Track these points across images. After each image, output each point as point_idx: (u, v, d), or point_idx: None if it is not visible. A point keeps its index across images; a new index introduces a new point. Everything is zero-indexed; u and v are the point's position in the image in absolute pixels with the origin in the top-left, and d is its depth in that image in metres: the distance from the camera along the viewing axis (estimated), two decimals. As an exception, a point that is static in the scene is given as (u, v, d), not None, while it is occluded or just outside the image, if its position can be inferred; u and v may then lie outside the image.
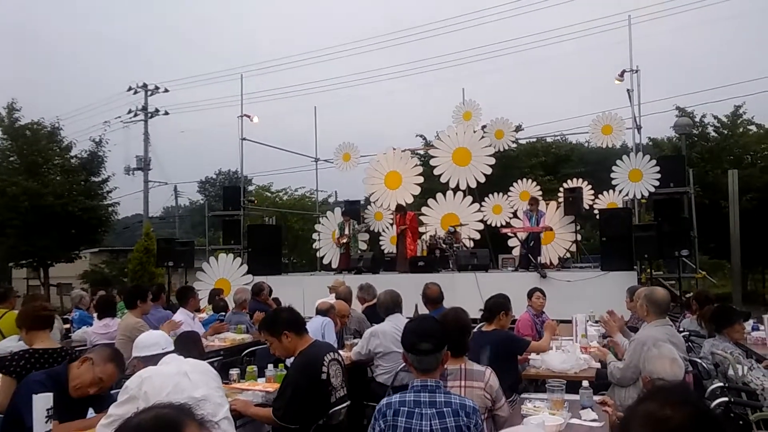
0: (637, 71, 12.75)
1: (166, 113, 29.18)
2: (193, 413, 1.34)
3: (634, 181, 11.95)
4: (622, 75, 12.91)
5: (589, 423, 3.10)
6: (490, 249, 13.04)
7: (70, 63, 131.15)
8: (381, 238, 15.82)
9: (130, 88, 28.27)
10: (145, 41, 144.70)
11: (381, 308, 5.51)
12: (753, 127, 20.97)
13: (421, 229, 13.68)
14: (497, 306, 4.78)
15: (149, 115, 28.66)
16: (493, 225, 14.83)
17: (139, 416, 1.32)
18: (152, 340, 3.24)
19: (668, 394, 1.41)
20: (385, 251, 15.13)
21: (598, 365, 4.71)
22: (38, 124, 21.35)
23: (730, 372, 4.28)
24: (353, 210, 14.99)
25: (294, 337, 3.50)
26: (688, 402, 1.35)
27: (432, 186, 16.30)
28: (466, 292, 9.74)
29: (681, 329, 6.23)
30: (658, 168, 11.88)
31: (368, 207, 15.97)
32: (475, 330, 4.95)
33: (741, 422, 3.97)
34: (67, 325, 8.24)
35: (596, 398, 3.39)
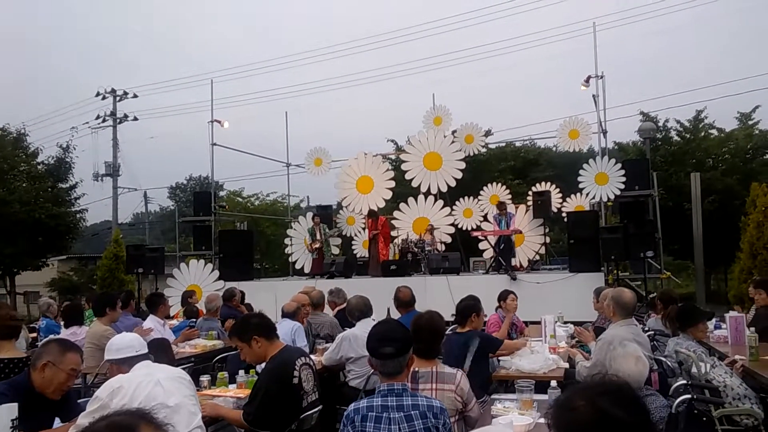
0: (602, 77, 13.03)
1: (136, 119, 28.78)
2: (149, 416, 1.36)
3: (601, 185, 12.19)
4: (587, 81, 13.15)
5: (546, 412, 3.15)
6: (462, 252, 13.15)
7: (36, 67, 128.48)
8: (354, 242, 15.84)
9: (98, 94, 27.80)
10: (114, 46, 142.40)
11: (352, 313, 5.53)
12: (714, 132, 21.56)
13: (393, 233, 13.75)
14: (468, 309, 4.81)
15: (118, 120, 28.22)
16: (464, 228, 14.97)
17: (93, 426, 1.34)
18: (125, 342, 3.12)
19: (592, 388, 1.48)
20: (358, 255, 15.15)
21: (567, 365, 4.79)
22: (3, 129, 20.91)
23: (694, 370, 4.37)
24: (326, 215, 14.99)
25: (264, 342, 3.49)
26: (596, 402, 1.41)
27: (403, 190, 16.39)
28: (438, 295, 9.81)
29: (646, 329, 6.36)
30: (623, 171, 12.14)
31: (340, 212, 15.98)
32: (449, 331, 5.01)
33: (704, 419, 4.09)
34: (34, 334, 8.08)
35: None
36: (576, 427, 1.41)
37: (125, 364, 3.00)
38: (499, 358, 5.04)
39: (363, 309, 5.46)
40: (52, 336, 6.59)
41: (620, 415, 1.39)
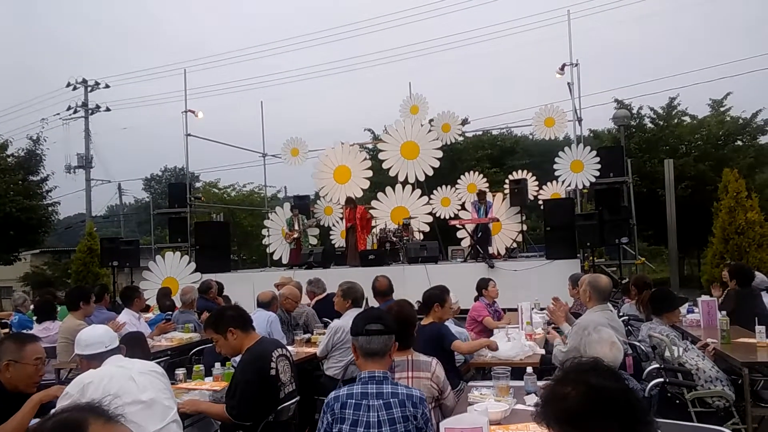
0: (576, 65, 13.10)
1: (108, 109, 28.33)
2: (99, 409, 1.33)
3: (576, 172, 12.30)
4: (562, 68, 13.21)
5: (533, 408, 3.17)
6: (440, 241, 13.19)
7: (4, 58, 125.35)
8: (331, 232, 15.79)
9: (69, 84, 27.27)
10: (85, 35, 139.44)
11: (357, 300, 5.46)
12: (687, 118, 21.84)
13: (371, 223, 13.74)
14: (431, 298, 4.71)
15: (90, 111, 27.73)
16: (442, 217, 15.01)
17: (41, 425, 1.32)
18: (95, 337, 3.03)
19: (571, 372, 1.49)
20: (336, 245, 15.12)
21: (543, 351, 4.83)
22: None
23: (667, 354, 4.44)
24: (303, 205, 14.91)
25: (240, 334, 3.46)
26: (583, 381, 1.43)
27: (381, 180, 16.36)
28: (416, 284, 9.77)
29: (621, 314, 6.44)
30: (598, 159, 12.26)
31: (318, 201, 15.92)
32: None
33: (677, 401, 4.16)
34: (6, 330, 7.93)
35: (540, 384, 3.48)
36: (574, 412, 1.40)
37: (95, 360, 2.94)
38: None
39: (358, 298, 5.42)
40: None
41: (611, 385, 1.41)
